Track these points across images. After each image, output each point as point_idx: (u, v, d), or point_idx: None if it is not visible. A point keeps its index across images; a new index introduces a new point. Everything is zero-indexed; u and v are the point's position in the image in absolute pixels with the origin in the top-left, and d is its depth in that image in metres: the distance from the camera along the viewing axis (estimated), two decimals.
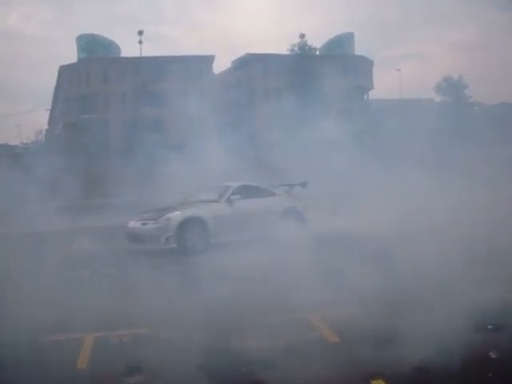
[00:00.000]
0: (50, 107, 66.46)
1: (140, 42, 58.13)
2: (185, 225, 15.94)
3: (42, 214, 19.89)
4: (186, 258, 15.07)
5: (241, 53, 67.86)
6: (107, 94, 60.32)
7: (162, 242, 15.74)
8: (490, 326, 7.67)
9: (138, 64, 57.02)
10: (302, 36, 62.53)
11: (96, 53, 63.73)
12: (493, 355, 6.76)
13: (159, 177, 20.77)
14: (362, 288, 9.46)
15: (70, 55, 70.98)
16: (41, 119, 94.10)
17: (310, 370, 6.65)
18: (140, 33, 58.80)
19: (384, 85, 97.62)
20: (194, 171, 20.21)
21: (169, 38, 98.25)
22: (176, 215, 16.12)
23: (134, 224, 16.46)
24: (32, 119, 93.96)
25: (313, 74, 52.04)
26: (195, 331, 7.98)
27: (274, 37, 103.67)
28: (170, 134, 43.84)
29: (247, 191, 17.57)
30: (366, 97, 69.68)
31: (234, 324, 8.24)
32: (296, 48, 61.79)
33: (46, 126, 68.71)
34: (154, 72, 57.50)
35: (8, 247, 15.11)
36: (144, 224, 16.12)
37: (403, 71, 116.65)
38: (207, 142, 22.83)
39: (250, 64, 62.58)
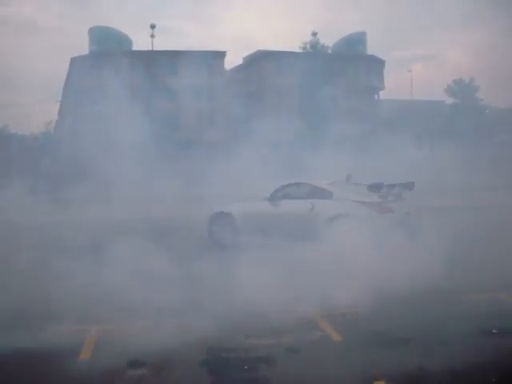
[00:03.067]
0: (60, 98, 66.54)
1: (152, 36, 58.33)
2: (214, 219, 16.69)
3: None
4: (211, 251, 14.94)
5: (252, 49, 67.90)
6: (118, 87, 60.32)
7: (205, 234, 16.91)
8: (494, 331, 7.67)
9: (149, 58, 57.08)
10: (315, 34, 62.51)
11: (108, 45, 63.71)
12: (496, 358, 6.75)
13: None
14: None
15: (82, 47, 70.93)
16: (51, 110, 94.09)
17: (312, 369, 6.66)
18: (152, 26, 59.03)
19: (395, 85, 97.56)
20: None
21: (181, 33, 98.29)
22: (210, 210, 16.98)
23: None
24: (42, 110, 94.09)
25: (324, 72, 51.92)
26: (200, 327, 8.00)
27: (286, 34, 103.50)
28: (180, 129, 43.95)
29: (299, 190, 16.07)
30: (376, 97, 69.51)
31: (237, 321, 8.25)
32: (308, 46, 61.74)
33: (55, 117, 68.77)
34: (164, 66, 57.50)
35: None
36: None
37: (414, 72, 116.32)
38: (217, 138, 22.92)
39: (261, 61, 62.49)
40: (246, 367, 6.74)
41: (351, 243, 11.49)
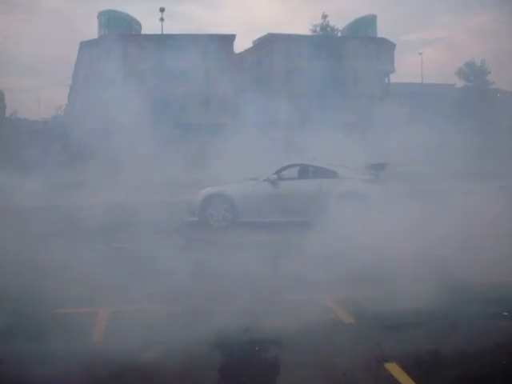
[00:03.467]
0: (70, 83, 66.62)
1: (161, 20, 58.18)
2: (208, 200, 16.32)
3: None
4: (206, 232, 15.37)
5: (262, 33, 67.60)
6: (127, 71, 60.34)
7: (189, 215, 16.53)
8: (505, 313, 7.65)
9: (159, 41, 56.96)
10: (325, 17, 62.35)
11: (117, 29, 63.67)
12: (508, 341, 6.73)
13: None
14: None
15: (91, 31, 70.93)
16: (61, 95, 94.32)
17: (323, 351, 6.65)
18: (161, 10, 58.86)
19: (405, 69, 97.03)
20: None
21: (190, 16, 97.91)
22: (203, 191, 16.64)
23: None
24: (52, 94, 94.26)
25: (334, 55, 51.76)
26: (210, 308, 8.01)
27: (296, 17, 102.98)
28: (188, 112, 43.92)
29: (302, 171, 16.92)
30: (386, 80, 69.16)
31: (248, 302, 8.25)
32: (318, 29, 61.49)
33: (65, 102, 68.85)
34: (174, 50, 57.38)
35: None
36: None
37: (425, 55, 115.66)
38: (226, 121, 22.90)
39: (271, 44, 62.25)
40: (257, 348, 6.74)
41: (364, 219, 12.33)
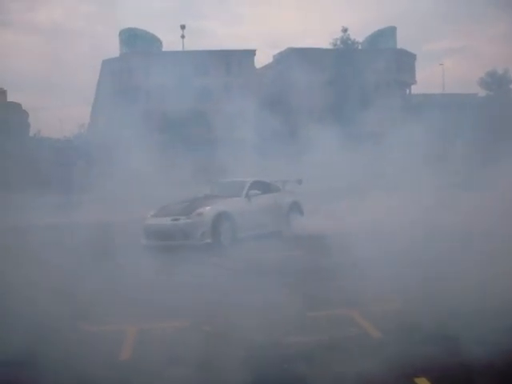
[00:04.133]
0: (92, 101, 67.12)
1: (182, 37, 58.50)
2: (218, 220, 15.92)
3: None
4: (222, 252, 15.24)
5: (282, 47, 67.70)
6: (149, 88, 60.73)
7: (198, 238, 15.55)
8: None
9: (180, 58, 57.23)
10: (345, 30, 62.29)
11: (138, 47, 64.10)
12: None
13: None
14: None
15: (113, 49, 71.55)
16: (83, 113, 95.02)
17: (352, 366, 6.60)
18: (182, 27, 59.18)
19: (427, 79, 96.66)
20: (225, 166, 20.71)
21: (210, 32, 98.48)
22: (209, 210, 16.02)
23: (159, 220, 16.17)
24: (74, 113, 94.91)
25: (354, 68, 51.70)
26: (239, 325, 8.01)
27: (316, 31, 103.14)
28: (211, 128, 43.94)
29: (259, 187, 18.24)
30: (407, 91, 68.94)
31: (275, 318, 8.24)
32: (338, 42, 61.50)
33: (88, 120, 69.38)
34: (195, 66, 57.68)
35: None
36: (175, 220, 15.82)
37: (446, 65, 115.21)
38: (244, 136, 22.98)
39: (291, 58, 62.29)
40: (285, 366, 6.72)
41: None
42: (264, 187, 18.49)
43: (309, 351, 7.06)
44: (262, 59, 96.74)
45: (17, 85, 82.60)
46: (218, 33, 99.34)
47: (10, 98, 56.33)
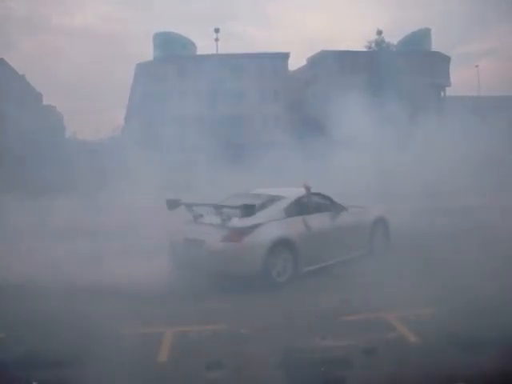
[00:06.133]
0: (126, 104, 67.68)
1: (216, 40, 58.76)
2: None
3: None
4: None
5: (316, 50, 67.61)
6: (183, 91, 61.09)
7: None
8: None
9: (214, 61, 57.47)
10: (380, 33, 62.03)
11: (172, 50, 64.43)
12: None
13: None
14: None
15: (147, 53, 72.16)
16: (118, 116, 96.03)
17: (388, 371, 6.56)
18: (216, 30, 59.47)
19: (462, 82, 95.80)
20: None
21: (244, 36, 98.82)
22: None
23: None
24: (109, 117, 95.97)
25: (389, 71, 51.42)
26: (273, 329, 8.01)
27: (349, 33, 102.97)
28: (245, 132, 44.16)
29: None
30: (442, 94, 68.34)
31: (312, 323, 8.23)
32: (373, 45, 61.25)
33: (122, 123, 69.98)
34: (229, 69, 57.84)
35: None
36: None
37: (482, 68, 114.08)
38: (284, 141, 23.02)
39: (325, 61, 62.15)
40: (322, 369, 6.70)
41: None
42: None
43: (345, 355, 7.02)
44: (295, 62, 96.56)
45: (52, 88, 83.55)
46: (252, 36, 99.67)
47: (46, 101, 56.97)
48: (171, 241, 12.19)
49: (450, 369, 6.43)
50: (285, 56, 63.76)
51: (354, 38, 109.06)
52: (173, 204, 12.56)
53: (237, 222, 11.36)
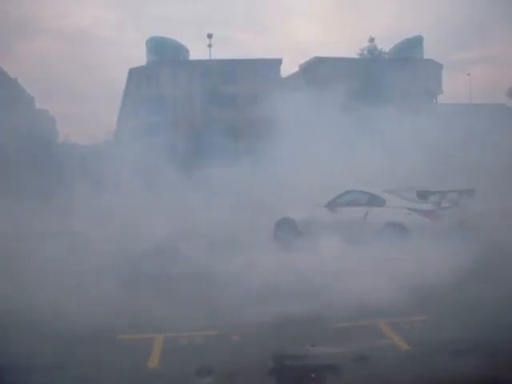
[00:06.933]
0: (118, 109, 67.62)
1: (209, 46, 58.80)
2: (279, 225, 17.26)
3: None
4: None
5: (309, 56, 67.66)
6: (176, 96, 61.10)
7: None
8: None
9: (207, 67, 57.53)
10: (372, 40, 62.13)
11: (165, 55, 64.43)
12: None
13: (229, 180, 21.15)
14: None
15: (140, 58, 72.17)
16: (110, 121, 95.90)
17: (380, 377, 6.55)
18: (209, 36, 59.53)
19: (453, 89, 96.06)
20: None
21: (237, 41, 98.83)
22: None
23: None
24: (101, 121, 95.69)
25: (381, 78, 51.51)
26: (266, 335, 7.99)
27: (341, 40, 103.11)
28: (238, 137, 44.08)
29: (354, 198, 16.73)
30: (434, 101, 68.51)
31: (304, 329, 8.22)
32: (365, 52, 61.33)
33: (114, 128, 69.88)
34: (222, 75, 57.89)
35: None
36: None
37: (474, 75, 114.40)
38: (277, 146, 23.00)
39: (318, 67, 62.22)
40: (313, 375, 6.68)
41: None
42: (361, 199, 16.50)
43: (335, 362, 7.00)
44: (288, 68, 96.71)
45: (45, 92, 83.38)
46: (245, 42, 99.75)
47: (38, 105, 56.74)
48: None
49: None
50: (277, 62, 63.83)
51: (348, 45, 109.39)
52: (423, 194, 15.37)
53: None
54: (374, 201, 16.13)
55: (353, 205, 16.42)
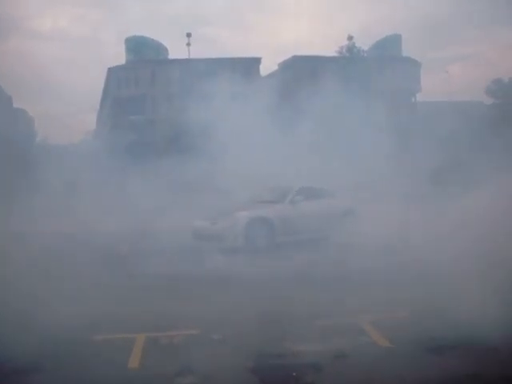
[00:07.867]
0: (98, 108, 67.28)
1: (188, 45, 58.61)
2: (251, 224, 16.56)
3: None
4: (257, 256, 15.19)
5: (288, 55, 67.73)
6: (155, 95, 60.88)
7: (230, 240, 16.26)
8: None
9: (186, 66, 57.35)
10: (350, 38, 62.30)
11: (144, 54, 64.21)
12: None
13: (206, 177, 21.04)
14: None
15: (119, 57, 71.84)
16: (89, 120, 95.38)
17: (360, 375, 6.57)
18: (188, 35, 59.30)
19: (432, 87, 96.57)
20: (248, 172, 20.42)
21: (216, 40, 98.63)
22: (243, 215, 16.76)
23: (201, 223, 17.09)
24: (80, 120, 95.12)
25: (360, 76, 51.66)
26: (246, 334, 7.99)
27: (320, 39, 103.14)
28: (215, 136, 43.95)
29: (308, 192, 18.07)
30: (413, 99, 68.85)
31: (284, 327, 8.23)
32: (344, 50, 61.51)
33: (93, 127, 69.52)
34: (201, 74, 57.77)
35: None
36: (213, 223, 16.74)
37: (452, 73, 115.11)
38: (254, 144, 22.91)
39: (297, 66, 62.27)
40: (294, 374, 6.69)
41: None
42: (314, 193, 18.32)
43: (316, 360, 7.01)
44: (267, 67, 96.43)
45: (22, 92, 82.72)
46: (224, 40, 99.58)
47: (16, 104, 56.14)
48: None
49: None
50: (257, 61, 63.82)
51: (327, 43, 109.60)
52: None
53: None
54: (327, 194, 18.41)
55: (311, 199, 17.85)
